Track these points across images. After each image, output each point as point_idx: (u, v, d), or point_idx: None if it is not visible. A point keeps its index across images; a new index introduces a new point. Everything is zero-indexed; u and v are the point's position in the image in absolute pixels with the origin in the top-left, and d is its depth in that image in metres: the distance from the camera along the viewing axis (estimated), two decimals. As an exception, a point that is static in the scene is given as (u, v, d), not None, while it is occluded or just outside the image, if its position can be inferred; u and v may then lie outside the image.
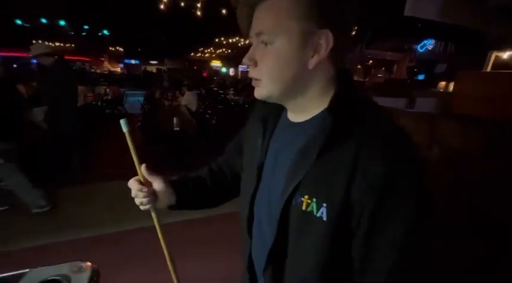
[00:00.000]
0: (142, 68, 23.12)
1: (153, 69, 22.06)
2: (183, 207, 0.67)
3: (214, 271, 1.79)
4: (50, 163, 3.15)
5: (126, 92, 8.42)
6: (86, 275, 0.84)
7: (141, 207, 0.61)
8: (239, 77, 20.75)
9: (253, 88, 0.52)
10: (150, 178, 0.61)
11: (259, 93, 0.51)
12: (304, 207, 0.45)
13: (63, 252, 1.93)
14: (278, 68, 0.47)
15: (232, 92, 9.41)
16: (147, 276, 1.72)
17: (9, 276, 0.83)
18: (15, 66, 11.02)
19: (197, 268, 1.76)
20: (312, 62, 0.47)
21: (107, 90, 7.42)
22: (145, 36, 18.36)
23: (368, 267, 0.44)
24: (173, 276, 0.72)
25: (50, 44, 8.70)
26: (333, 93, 0.49)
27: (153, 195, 0.61)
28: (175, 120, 3.61)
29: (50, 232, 2.21)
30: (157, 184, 0.61)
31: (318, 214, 0.44)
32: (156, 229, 0.65)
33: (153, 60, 25.00)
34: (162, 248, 0.66)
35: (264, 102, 0.54)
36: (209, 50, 23.21)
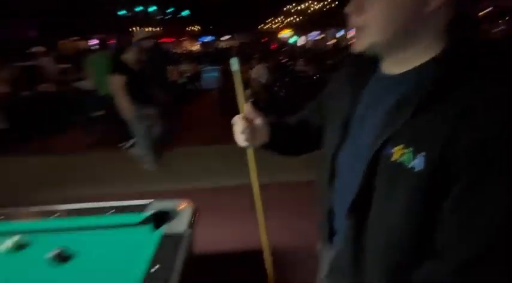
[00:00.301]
0: (215, 44, 24.39)
1: (224, 45, 23.00)
2: (272, 148, 0.73)
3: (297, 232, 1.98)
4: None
5: (202, 69, 9.19)
6: (188, 211, 1.08)
7: (242, 143, 0.67)
8: (308, 46, 19.57)
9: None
10: (253, 116, 0.67)
11: (363, 42, 0.48)
12: (395, 158, 0.45)
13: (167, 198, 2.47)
14: (389, 14, 0.45)
15: (301, 62, 9.04)
16: (235, 224, 2.06)
17: (136, 203, 1.14)
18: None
19: (280, 227, 1.95)
20: (430, 7, 0.43)
21: (188, 68, 8.26)
22: (219, 12, 19.06)
23: (447, 243, 0.43)
24: (260, 223, 0.83)
25: (146, 29, 10.04)
26: (444, 43, 0.45)
27: (253, 132, 0.66)
28: (247, 92, 3.82)
29: (152, 182, 2.82)
30: (259, 121, 0.66)
31: (410, 165, 0.43)
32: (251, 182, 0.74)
33: (225, 35, 25.96)
34: (251, 204, 0.75)
35: (354, 58, 0.54)
36: (278, 20, 22.43)
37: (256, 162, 0.75)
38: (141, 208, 1.08)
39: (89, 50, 6.44)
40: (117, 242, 0.95)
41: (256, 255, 1.78)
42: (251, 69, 5.80)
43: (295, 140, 0.76)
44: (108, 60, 3.57)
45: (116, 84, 2.73)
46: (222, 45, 22.83)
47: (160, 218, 1.03)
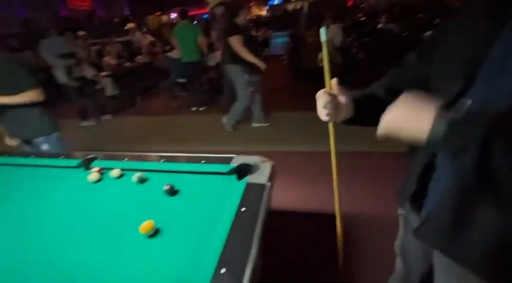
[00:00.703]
0: (283, 7, 22.95)
1: (292, 6, 21.41)
2: (355, 123, 0.71)
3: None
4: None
5: (272, 34, 8.95)
6: (268, 166, 1.16)
7: (324, 118, 0.68)
8: (395, -1, 16.30)
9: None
10: (338, 92, 0.66)
11: None
12: None
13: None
14: None
15: (385, 19, 7.72)
16: (307, 187, 2.13)
17: (223, 156, 1.29)
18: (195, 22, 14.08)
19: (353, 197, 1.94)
20: None
21: (258, 33, 8.17)
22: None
23: None
24: (335, 190, 0.83)
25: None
26: None
27: (336, 107, 0.65)
28: (320, 55, 3.58)
29: (230, 143, 3.10)
30: (343, 97, 0.65)
31: None
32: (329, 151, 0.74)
33: (295, -5, 24.01)
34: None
35: None
36: (358, -30, 19.14)
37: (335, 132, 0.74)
38: (226, 160, 1.22)
39: (171, 23, 7.03)
40: (209, 185, 1.11)
41: (326, 217, 1.83)
42: (324, 30, 5.30)
43: (381, 110, 0.71)
44: (188, 29, 3.85)
45: (237, 43, 2.88)
46: (290, 7, 21.31)
47: (243, 170, 1.15)
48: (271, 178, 1.10)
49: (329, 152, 0.78)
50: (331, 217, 1.80)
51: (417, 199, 0.66)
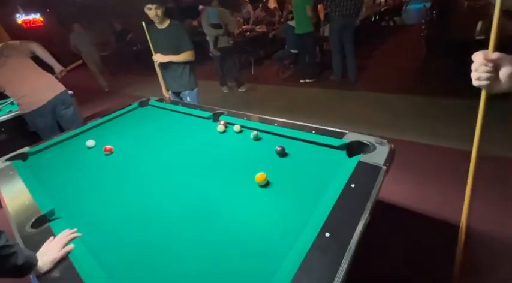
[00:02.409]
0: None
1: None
2: None
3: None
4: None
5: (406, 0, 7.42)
6: (386, 148, 1.05)
7: (476, 82, 0.59)
8: None
9: None
10: (500, 57, 0.55)
11: None
12: None
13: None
14: None
15: None
16: (417, 184, 1.86)
17: (335, 130, 1.25)
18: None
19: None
20: None
21: (387, -1, 6.93)
22: None
23: None
24: (467, 198, 0.68)
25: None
26: None
27: (494, 74, 0.55)
28: (479, 25, 2.70)
29: (328, 120, 2.97)
30: (506, 64, 0.54)
31: None
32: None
33: None
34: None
35: None
36: None
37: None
38: (338, 135, 1.17)
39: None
40: (317, 155, 1.12)
41: (439, 225, 1.54)
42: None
43: None
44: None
45: None
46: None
47: (355, 148, 1.09)
48: (388, 162, 0.99)
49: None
50: (446, 226, 1.51)
51: None
